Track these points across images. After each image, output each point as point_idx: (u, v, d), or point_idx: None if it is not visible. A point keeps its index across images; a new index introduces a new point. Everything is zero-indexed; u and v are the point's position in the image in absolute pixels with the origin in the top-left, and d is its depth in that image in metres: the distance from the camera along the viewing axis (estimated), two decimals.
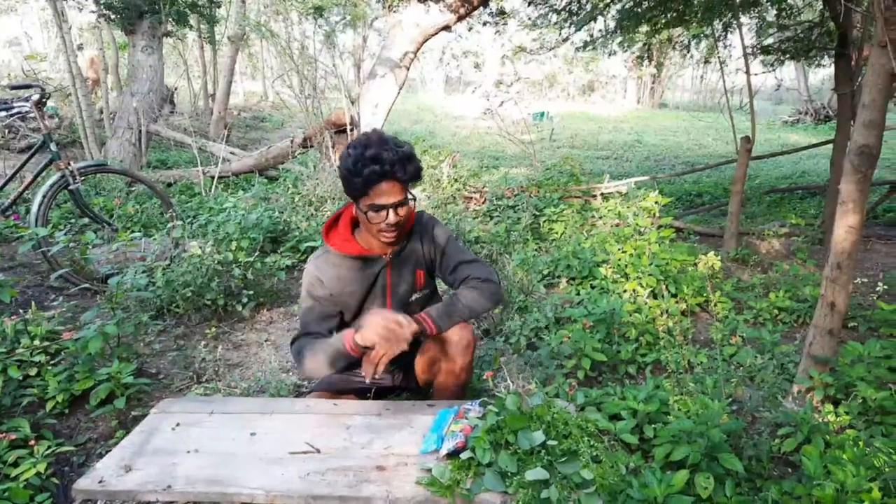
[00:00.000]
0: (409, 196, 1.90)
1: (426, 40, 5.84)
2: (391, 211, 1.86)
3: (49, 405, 2.42)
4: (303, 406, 1.98)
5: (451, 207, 5.71)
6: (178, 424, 1.84)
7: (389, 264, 2.05)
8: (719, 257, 3.85)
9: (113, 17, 6.98)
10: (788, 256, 4.76)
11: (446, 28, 5.76)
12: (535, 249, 4.64)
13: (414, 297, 2.11)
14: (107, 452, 1.91)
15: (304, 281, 2.05)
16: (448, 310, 1.93)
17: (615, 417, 2.28)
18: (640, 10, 6.20)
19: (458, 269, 2.04)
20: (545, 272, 4.14)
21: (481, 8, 5.99)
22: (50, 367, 2.53)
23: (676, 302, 3.50)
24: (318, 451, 1.68)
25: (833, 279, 2.33)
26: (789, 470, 2.14)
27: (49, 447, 2.11)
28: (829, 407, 2.26)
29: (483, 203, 6.05)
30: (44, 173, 4.07)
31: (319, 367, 1.90)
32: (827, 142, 5.83)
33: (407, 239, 2.06)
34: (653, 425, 2.20)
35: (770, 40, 6.79)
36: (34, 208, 3.63)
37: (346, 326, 2.03)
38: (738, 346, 2.99)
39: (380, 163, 1.78)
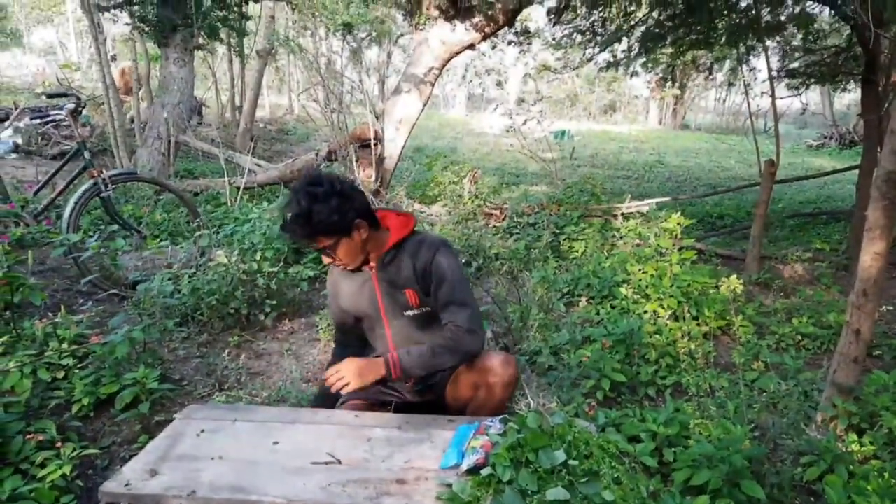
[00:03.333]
0: (335, 242, 1.96)
1: (451, 58, 5.91)
2: (323, 254, 2.02)
3: (75, 408, 2.47)
4: (324, 417, 2.00)
5: (472, 223, 5.73)
6: (202, 431, 1.87)
7: (374, 277, 2.11)
8: (741, 281, 3.82)
9: (147, 29, 7.16)
10: (812, 282, 4.70)
11: (471, 47, 5.83)
12: (556, 267, 4.63)
13: (410, 312, 2.09)
14: (130, 456, 1.95)
15: None
16: (421, 360, 1.98)
17: (634, 439, 2.27)
18: (663, 31, 6.22)
19: (446, 308, 2.01)
20: (565, 290, 4.14)
21: (506, 27, 6.05)
22: (77, 371, 2.58)
23: (698, 324, 3.48)
24: (340, 462, 1.70)
25: (859, 306, 2.31)
26: (812, 499, 2.11)
27: (74, 449, 2.14)
28: (854, 436, 2.23)
29: (503, 220, 6.07)
30: (76, 180, 4.17)
31: None
32: (852, 167, 5.78)
33: (392, 256, 2.07)
34: (673, 449, 2.19)
35: (796, 64, 6.76)
36: (66, 214, 3.72)
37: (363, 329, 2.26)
38: (761, 371, 2.96)
39: (281, 219, 1.96)
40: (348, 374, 1.93)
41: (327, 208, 1.90)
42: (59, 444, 2.12)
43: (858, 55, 5.49)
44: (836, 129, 16.91)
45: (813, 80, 6.54)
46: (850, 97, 18.21)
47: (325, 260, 2.04)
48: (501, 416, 1.79)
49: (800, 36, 6.35)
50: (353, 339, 2.31)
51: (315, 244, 1.98)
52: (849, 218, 5.98)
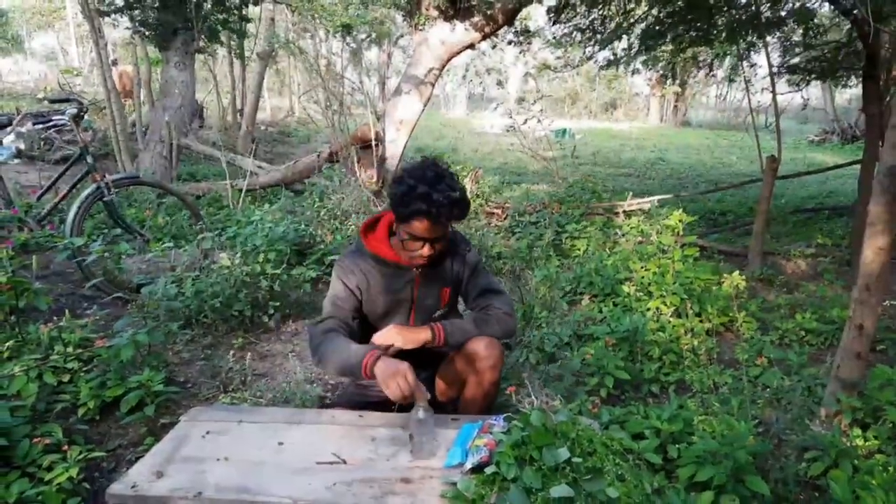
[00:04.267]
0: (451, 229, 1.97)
1: (451, 58, 5.92)
2: (428, 245, 1.93)
3: (81, 411, 2.48)
4: (328, 417, 2.01)
5: (474, 223, 5.74)
6: (207, 432, 1.88)
7: (417, 277, 2.08)
8: (744, 277, 3.82)
9: (147, 33, 7.18)
10: (815, 277, 4.70)
11: (471, 46, 5.84)
12: (558, 266, 4.64)
13: (438, 313, 2.13)
14: (136, 459, 1.96)
15: (335, 269, 2.11)
16: (463, 330, 2.01)
17: (638, 436, 2.27)
18: (663, 28, 6.21)
19: (484, 295, 2.09)
20: (567, 288, 4.14)
21: (506, 27, 6.06)
22: (83, 374, 2.59)
23: (701, 321, 3.48)
24: (345, 462, 1.71)
25: (862, 301, 2.31)
26: (816, 494, 2.11)
27: (81, 452, 2.15)
28: (858, 431, 2.23)
29: (505, 219, 6.08)
30: (79, 185, 4.18)
31: (329, 368, 1.99)
32: (854, 162, 5.77)
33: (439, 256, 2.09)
34: (677, 445, 2.18)
35: (796, 60, 6.75)
36: (69, 219, 3.73)
37: (369, 328, 2.11)
38: (764, 367, 2.96)
39: (428, 203, 1.83)
40: (393, 336, 1.91)
41: (467, 194, 1.94)
42: (65, 448, 2.13)
43: (859, 50, 5.48)
44: (838, 124, 16.86)
45: (813, 76, 6.53)
46: (851, 92, 18.17)
47: (426, 251, 1.94)
48: (505, 415, 1.80)
49: (800, 31, 6.35)
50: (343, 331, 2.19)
51: (445, 227, 1.93)
52: (851, 213, 5.98)
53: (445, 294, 2.13)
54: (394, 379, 1.76)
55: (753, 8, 5.41)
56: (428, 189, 1.83)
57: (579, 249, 5.01)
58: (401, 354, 2.02)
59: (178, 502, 1.58)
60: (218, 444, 1.82)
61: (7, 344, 2.67)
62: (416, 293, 2.10)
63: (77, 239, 3.43)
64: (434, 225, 1.87)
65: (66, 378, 2.59)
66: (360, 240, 2.11)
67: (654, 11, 6.36)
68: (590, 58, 7.57)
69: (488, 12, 5.45)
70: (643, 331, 3.13)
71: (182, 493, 1.58)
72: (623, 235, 5.06)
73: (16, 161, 7.61)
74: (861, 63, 5.18)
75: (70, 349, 2.69)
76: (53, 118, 7.58)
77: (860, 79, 5.38)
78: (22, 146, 7.76)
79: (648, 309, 3.58)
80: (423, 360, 2.20)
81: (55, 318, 3.02)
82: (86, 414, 2.48)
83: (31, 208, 4.38)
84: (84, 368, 2.63)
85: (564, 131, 15.55)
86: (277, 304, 3.55)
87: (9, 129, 7.41)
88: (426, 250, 1.93)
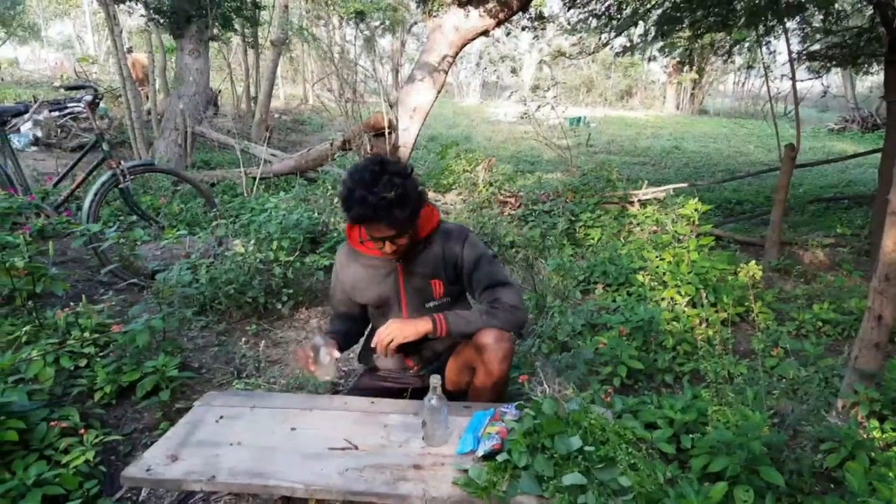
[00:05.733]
0: (407, 229, 1.92)
1: (465, 45, 5.87)
2: (386, 242, 1.93)
3: (97, 395, 2.51)
4: (341, 403, 2.01)
5: (487, 211, 5.72)
6: (221, 417, 1.90)
7: (400, 270, 2.08)
8: (760, 267, 3.78)
9: (162, 21, 7.21)
10: (833, 267, 4.63)
11: (485, 33, 5.79)
12: (571, 255, 4.61)
13: (432, 303, 2.10)
14: (152, 443, 1.98)
15: (335, 262, 2.24)
16: (467, 320, 1.98)
17: (651, 426, 2.25)
18: (680, 14, 6.11)
19: (491, 288, 2.04)
20: (581, 278, 4.12)
21: (520, 13, 5.99)
22: (99, 359, 2.63)
23: (716, 311, 3.44)
24: (357, 448, 1.72)
25: (881, 291, 2.27)
26: (832, 486, 2.09)
27: (97, 436, 2.18)
28: (875, 423, 2.20)
29: (518, 207, 6.04)
30: (95, 172, 4.22)
31: None
32: (875, 150, 5.67)
33: (423, 246, 2.07)
34: (690, 435, 2.17)
35: (816, 46, 6.62)
36: (86, 205, 3.77)
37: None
38: (781, 357, 2.92)
39: (364, 207, 1.81)
40: (393, 331, 1.92)
41: (416, 189, 1.88)
42: (82, 431, 2.16)
43: (881, 36, 5.35)
44: (858, 112, 16.54)
45: (834, 63, 6.40)
46: (872, 79, 17.81)
47: (388, 248, 1.94)
48: (517, 403, 1.79)
49: (820, 16, 6.21)
50: (350, 322, 2.29)
51: (394, 231, 1.88)
52: (871, 202, 5.87)
53: (436, 285, 2.08)
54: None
55: None
56: (364, 192, 1.80)
57: (593, 238, 4.97)
58: (408, 346, 2.03)
59: (191, 485, 1.60)
60: (231, 428, 1.83)
61: (25, 329, 2.71)
62: (401, 284, 2.09)
63: (93, 225, 3.47)
64: (377, 226, 1.86)
65: (82, 363, 2.63)
66: (346, 234, 2.16)
67: None
68: (605, 44, 7.48)
69: None
70: (657, 320, 3.10)
71: (196, 477, 1.60)
72: (638, 224, 5.02)
73: (33, 148, 7.71)
74: (883, 49, 5.06)
75: (86, 334, 2.72)
76: (69, 105, 7.63)
77: (882, 65, 5.26)
78: (39, 134, 7.84)
79: (663, 298, 3.55)
80: (432, 350, 2.21)
81: (72, 303, 3.06)
82: (102, 398, 2.51)
83: (47, 195, 4.43)
84: (100, 353, 2.67)
85: (579, 119, 15.44)
86: (291, 291, 3.56)
87: (26, 116, 7.51)
88: (388, 247, 1.95)
